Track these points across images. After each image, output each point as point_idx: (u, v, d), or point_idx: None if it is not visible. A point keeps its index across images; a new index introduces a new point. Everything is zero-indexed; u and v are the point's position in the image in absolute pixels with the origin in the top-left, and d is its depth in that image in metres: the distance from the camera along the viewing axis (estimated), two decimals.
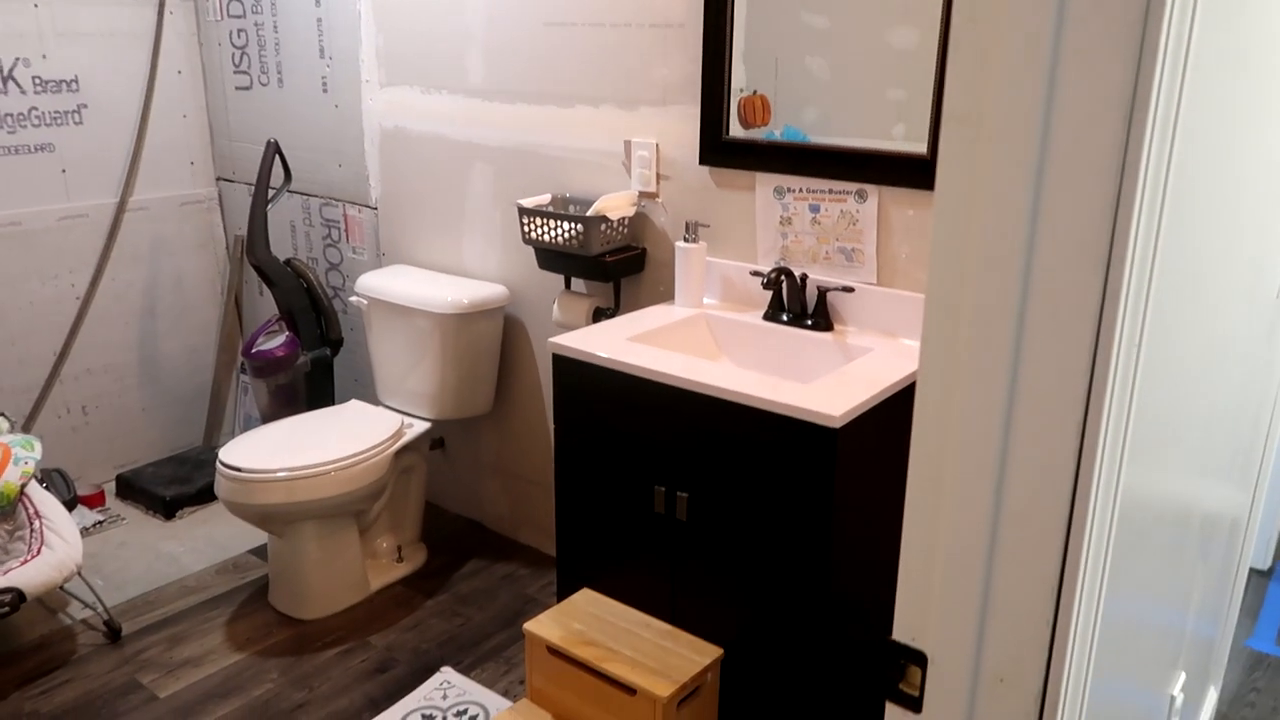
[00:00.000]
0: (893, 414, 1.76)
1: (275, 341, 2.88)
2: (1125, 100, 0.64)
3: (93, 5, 3.01)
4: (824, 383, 1.78)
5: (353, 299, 2.80)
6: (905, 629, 0.84)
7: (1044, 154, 0.67)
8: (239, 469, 2.33)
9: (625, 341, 2.00)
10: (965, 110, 0.71)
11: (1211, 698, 2.07)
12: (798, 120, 2.06)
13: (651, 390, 1.86)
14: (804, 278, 2.09)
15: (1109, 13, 0.64)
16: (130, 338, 3.28)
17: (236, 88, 3.24)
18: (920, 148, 1.90)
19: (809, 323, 2.07)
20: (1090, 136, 0.66)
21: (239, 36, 3.17)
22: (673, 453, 1.87)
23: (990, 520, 0.77)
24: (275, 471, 2.33)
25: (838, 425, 1.62)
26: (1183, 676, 1.60)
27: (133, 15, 3.12)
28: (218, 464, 2.37)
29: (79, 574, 2.31)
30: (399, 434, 2.57)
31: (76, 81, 3.02)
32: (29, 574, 2.18)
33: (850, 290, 2.05)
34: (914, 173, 1.92)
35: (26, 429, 3.05)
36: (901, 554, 0.84)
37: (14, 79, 2.89)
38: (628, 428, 1.93)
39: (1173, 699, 1.52)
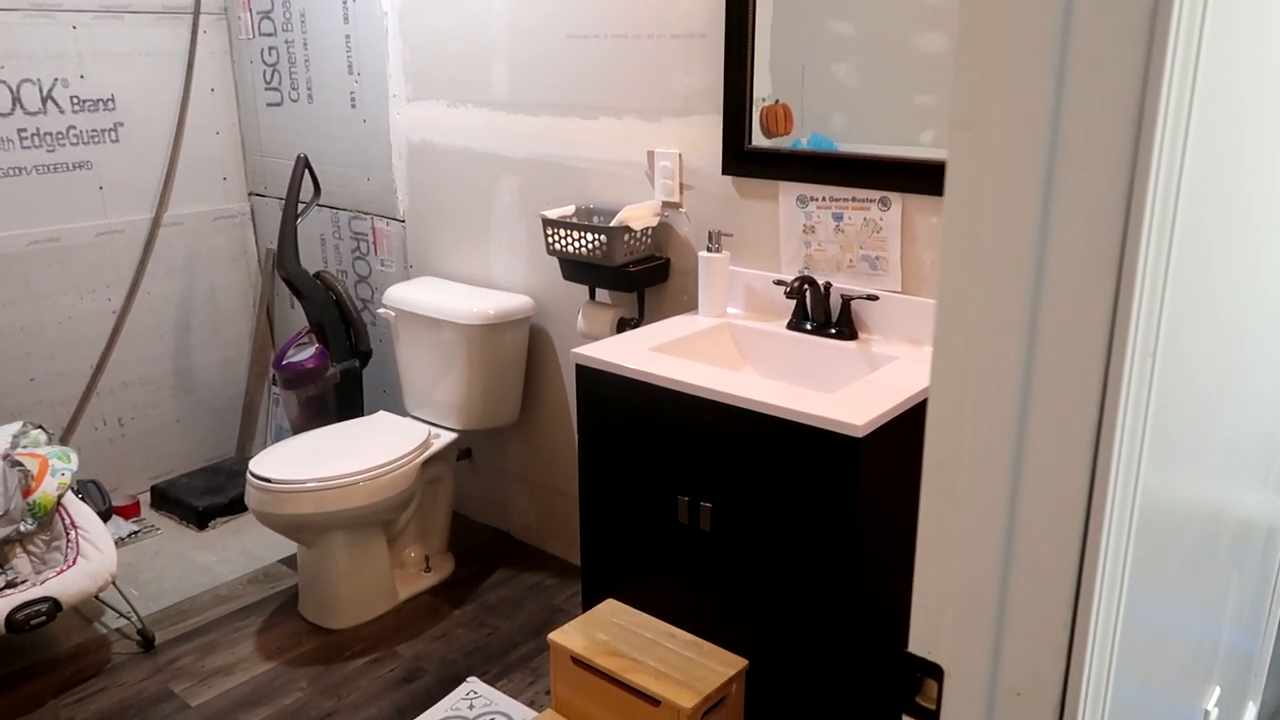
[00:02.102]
0: (917, 422, 1.74)
1: (305, 354, 2.91)
2: (1134, 102, 0.64)
3: (129, 26, 3.08)
4: (847, 392, 1.77)
5: (381, 311, 2.83)
6: (921, 641, 0.84)
7: (1052, 159, 0.66)
8: (269, 480, 2.36)
9: (648, 351, 2.00)
10: (971, 117, 0.70)
11: (1251, 713, 2.02)
12: (825, 127, 2.05)
13: (675, 400, 1.85)
14: (828, 286, 2.08)
15: (1116, 15, 0.63)
16: (165, 350, 3.33)
17: (268, 104, 3.29)
18: (942, 154, 1.88)
19: (833, 331, 2.06)
20: (1099, 140, 0.65)
21: (270, 54, 3.22)
22: (696, 463, 1.87)
23: (1005, 530, 0.76)
24: (304, 482, 2.36)
25: (860, 435, 1.61)
26: (1218, 691, 1.56)
27: (168, 35, 3.18)
28: (248, 475, 2.40)
29: (114, 583, 2.34)
30: (426, 444, 2.59)
31: (113, 100, 3.08)
32: (65, 583, 2.22)
33: (874, 298, 2.04)
34: (936, 179, 1.89)
35: (64, 441, 3.11)
36: (916, 565, 0.83)
37: (53, 99, 2.96)
38: (651, 438, 1.93)
39: (1206, 714, 1.49)
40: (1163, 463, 0.84)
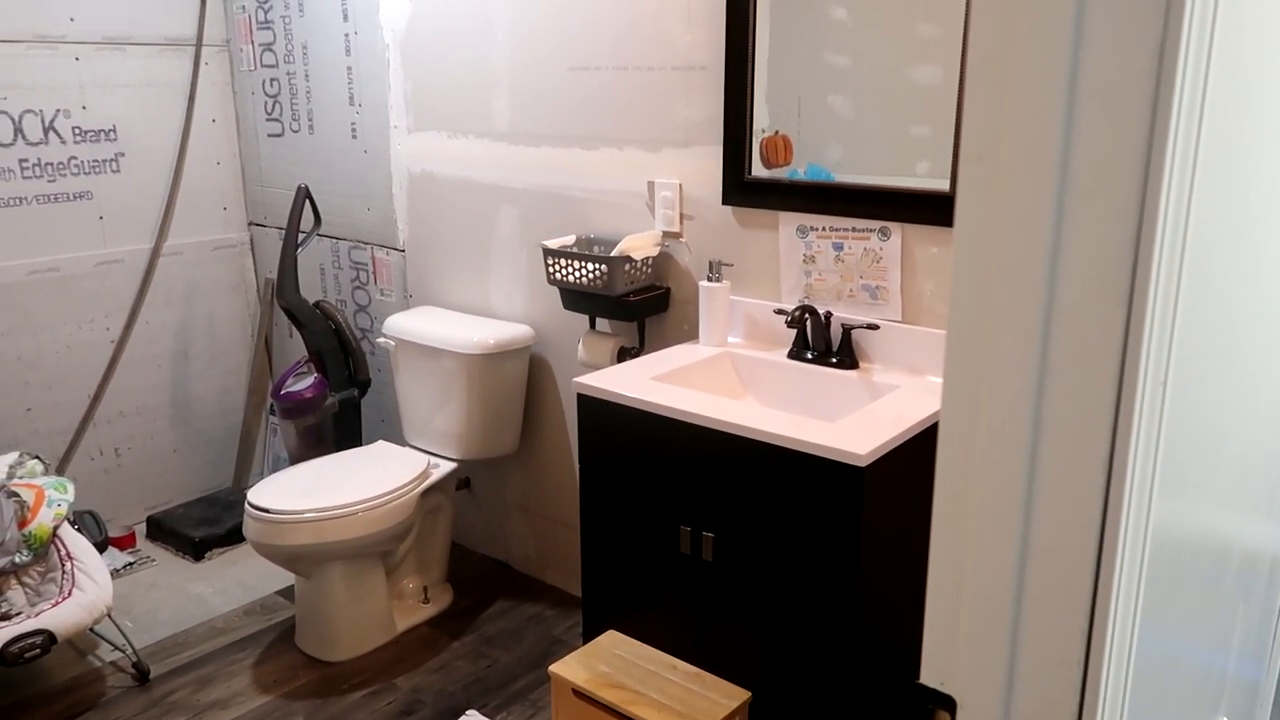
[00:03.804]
0: (920, 451, 1.74)
1: (304, 383, 2.91)
2: (1143, 137, 0.64)
3: (131, 58, 3.10)
4: (849, 421, 1.77)
5: (380, 340, 2.83)
6: (933, 672, 0.83)
7: (1063, 192, 0.67)
8: (267, 510, 2.35)
9: (650, 381, 2.00)
10: (983, 150, 0.71)
11: None
12: (821, 158, 2.07)
13: (676, 430, 1.85)
14: (828, 315, 2.08)
15: (1125, 51, 0.64)
16: (163, 380, 3.33)
17: (269, 135, 3.31)
18: (942, 185, 1.91)
19: (834, 360, 2.06)
20: (1109, 173, 0.66)
21: (271, 85, 3.24)
22: (698, 492, 1.87)
23: (1017, 559, 0.76)
24: (303, 513, 2.35)
25: (864, 464, 1.61)
26: None
27: (170, 66, 3.21)
28: (246, 506, 2.39)
29: (109, 616, 2.32)
30: (425, 474, 2.58)
31: (114, 131, 3.10)
32: (60, 616, 2.20)
33: (875, 328, 2.04)
34: (936, 210, 1.92)
35: (60, 471, 3.09)
36: (928, 595, 0.82)
37: (54, 129, 2.97)
38: (653, 468, 1.93)
39: None
40: (1174, 492, 0.84)
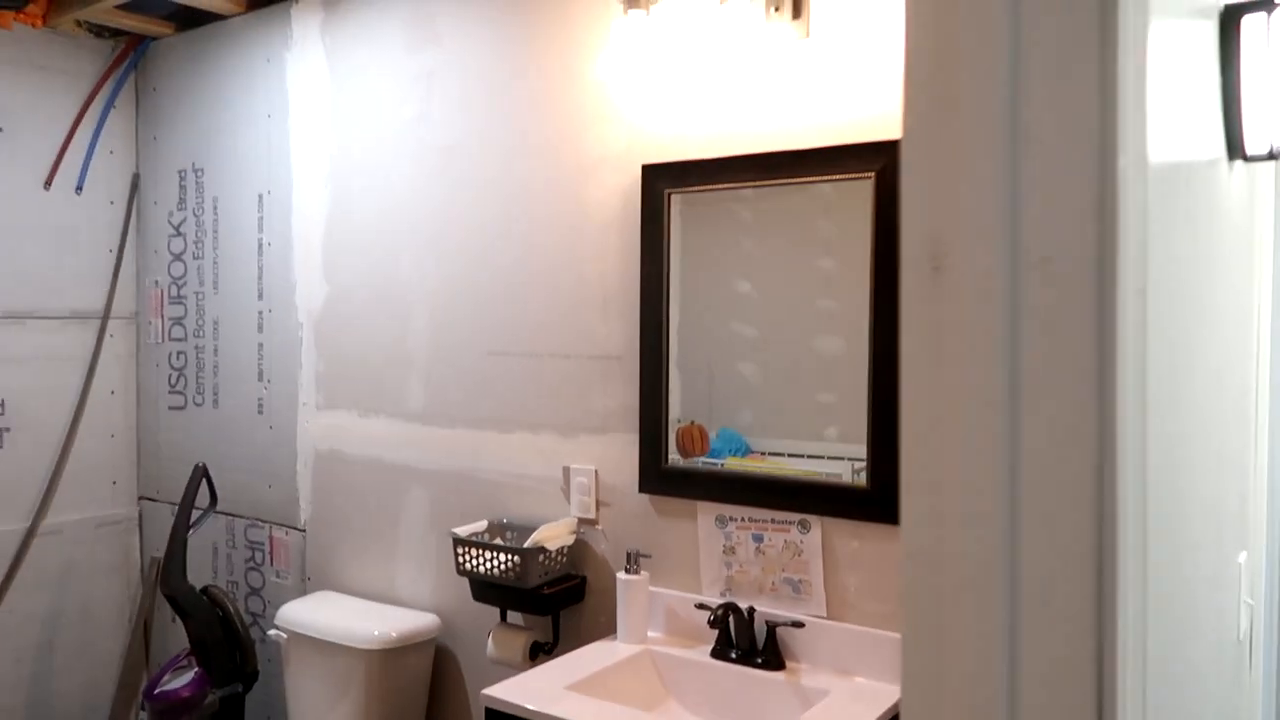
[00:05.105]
0: None
1: (182, 680, 2.63)
2: (1094, 427, 0.63)
3: (31, 331, 3.02)
4: None
5: (272, 633, 2.61)
6: None
7: (1015, 608, 0.64)
8: None
9: (564, 690, 1.85)
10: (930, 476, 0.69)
11: None
12: (734, 422, 2.08)
13: None
14: (751, 611, 2.00)
15: (1063, 334, 0.63)
16: (20, 677, 2.98)
17: (170, 407, 3.21)
18: (860, 480, 1.91)
19: (759, 661, 1.96)
20: (1061, 467, 0.64)
21: (178, 358, 3.18)
22: None
23: None
24: None
25: None
26: None
27: (71, 340, 3.13)
28: None
29: None
30: None
31: (3, 406, 2.96)
32: None
33: (800, 625, 1.96)
34: (854, 504, 1.91)
35: None
36: None
37: None
38: None
39: None
40: None
